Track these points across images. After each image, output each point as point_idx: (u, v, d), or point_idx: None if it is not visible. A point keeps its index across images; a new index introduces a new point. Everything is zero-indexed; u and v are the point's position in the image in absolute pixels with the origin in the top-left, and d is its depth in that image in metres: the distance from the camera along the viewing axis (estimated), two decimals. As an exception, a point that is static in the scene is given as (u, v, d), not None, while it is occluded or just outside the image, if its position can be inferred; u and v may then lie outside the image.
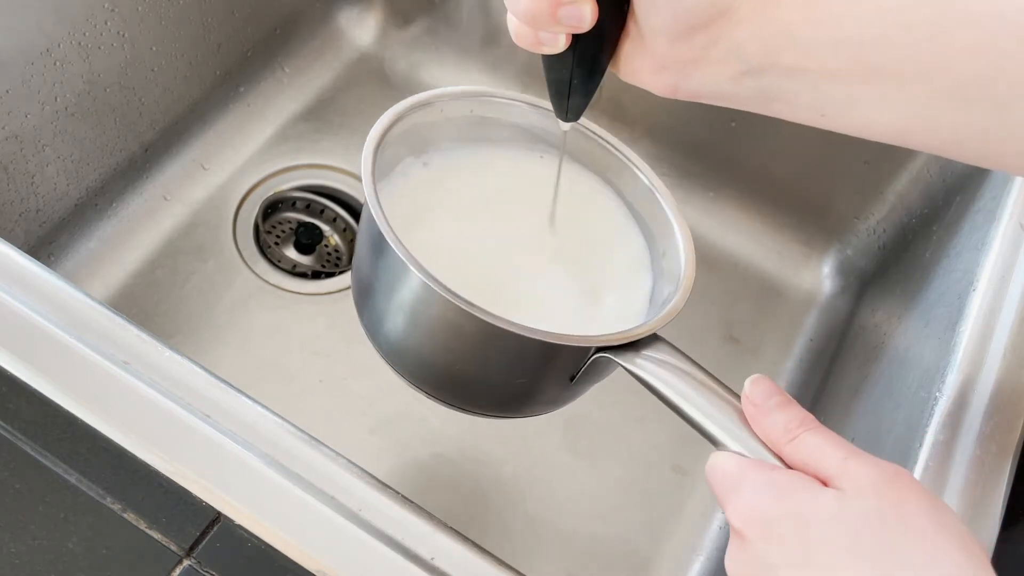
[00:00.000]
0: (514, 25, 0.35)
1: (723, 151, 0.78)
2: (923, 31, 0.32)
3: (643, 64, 0.35)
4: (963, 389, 0.47)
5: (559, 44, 0.34)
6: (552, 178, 0.44)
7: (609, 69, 0.37)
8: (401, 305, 0.39)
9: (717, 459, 0.34)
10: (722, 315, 0.75)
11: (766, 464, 0.33)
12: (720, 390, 0.36)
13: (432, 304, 0.36)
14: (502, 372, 0.40)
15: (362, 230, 0.40)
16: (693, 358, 0.37)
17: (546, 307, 0.41)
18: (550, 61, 0.36)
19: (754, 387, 0.35)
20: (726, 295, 0.77)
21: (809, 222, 0.79)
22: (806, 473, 0.32)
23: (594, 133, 0.44)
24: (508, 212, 0.44)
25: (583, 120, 0.41)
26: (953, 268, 0.58)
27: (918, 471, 0.44)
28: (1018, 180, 0.58)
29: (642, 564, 0.64)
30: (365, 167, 0.39)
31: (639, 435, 0.69)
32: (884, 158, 0.73)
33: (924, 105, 0.33)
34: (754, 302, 0.77)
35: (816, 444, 0.33)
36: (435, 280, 0.36)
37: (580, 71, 0.36)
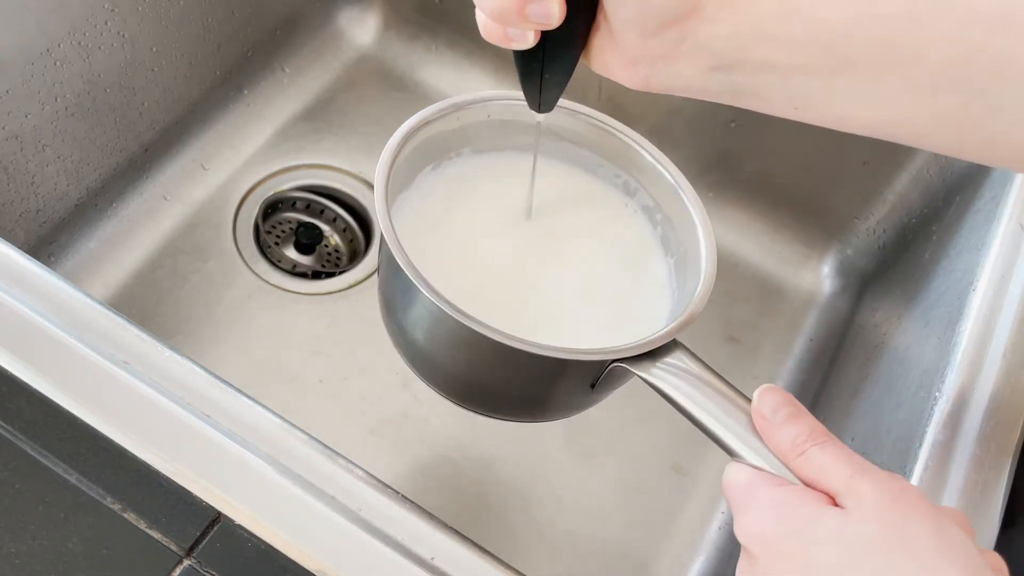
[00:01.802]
0: (483, 21, 0.34)
1: (723, 151, 0.78)
2: (896, 23, 0.32)
3: (614, 58, 0.35)
4: (963, 389, 0.47)
5: (528, 40, 0.34)
6: (569, 186, 0.44)
7: (581, 61, 0.37)
8: (419, 323, 0.39)
9: (730, 472, 0.34)
10: (722, 315, 0.75)
11: (776, 479, 0.33)
12: (738, 399, 0.35)
13: (447, 324, 0.36)
14: (522, 384, 0.40)
15: (382, 248, 0.40)
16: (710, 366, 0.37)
17: (567, 314, 0.41)
18: (521, 56, 0.36)
19: (763, 399, 0.34)
20: (726, 295, 0.77)
21: (809, 222, 0.79)
22: (816, 488, 0.32)
23: (618, 131, 0.45)
24: (525, 218, 0.44)
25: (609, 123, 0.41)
26: (953, 268, 0.58)
27: (918, 471, 0.44)
28: (1018, 180, 0.58)
29: (642, 564, 0.64)
30: (378, 187, 0.38)
31: (639, 435, 0.69)
32: (884, 158, 0.73)
33: (897, 97, 0.33)
34: (754, 302, 0.77)
35: (822, 460, 0.32)
36: (448, 303, 0.36)
37: (550, 66, 0.36)
